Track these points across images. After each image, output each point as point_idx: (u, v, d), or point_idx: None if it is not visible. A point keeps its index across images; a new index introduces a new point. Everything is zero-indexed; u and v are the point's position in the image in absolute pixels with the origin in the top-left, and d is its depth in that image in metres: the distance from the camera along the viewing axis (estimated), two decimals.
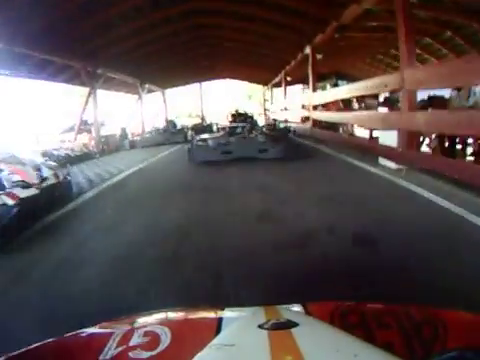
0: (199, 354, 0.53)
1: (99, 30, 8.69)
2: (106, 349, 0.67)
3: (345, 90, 6.90)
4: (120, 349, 0.66)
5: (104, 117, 14.12)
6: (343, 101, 10.17)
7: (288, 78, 13.73)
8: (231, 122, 10.75)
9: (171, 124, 13.89)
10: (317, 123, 9.11)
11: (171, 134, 12.53)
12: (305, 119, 12.19)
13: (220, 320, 0.73)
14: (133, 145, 11.99)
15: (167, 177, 5.41)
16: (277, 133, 7.38)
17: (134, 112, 15.95)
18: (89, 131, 12.01)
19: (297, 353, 0.49)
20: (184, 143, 10.91)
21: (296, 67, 12.24)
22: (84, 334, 0.79)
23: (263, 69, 15.75)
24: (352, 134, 10.24)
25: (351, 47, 11.90)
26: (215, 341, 0.57)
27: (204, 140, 6.10)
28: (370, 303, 0.87)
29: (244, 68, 16.29)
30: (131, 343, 0.68)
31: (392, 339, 0.66)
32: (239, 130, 6.96)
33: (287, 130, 9.68)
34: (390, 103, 8.31)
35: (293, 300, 0.82)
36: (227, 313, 0.79)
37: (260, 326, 0.59)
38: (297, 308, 0.80)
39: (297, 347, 0.50)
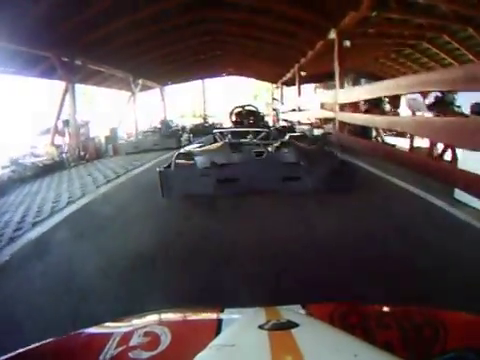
0: (199, 354, 0.52)
1: (73, 8, 6.85)
2: (106, 349, 0.66)
3: (395, 85, 4.91)
4: (120, 349, 0.66)
5: (92, 116, 12.33)
6: (370, 102, 8.36)
7: (302, 73, 11.78)
8: (236, 123, 6.96)
9: (164, 125, 11.88)
10: (344, 127, 7.18)
11: (162, 138, 10.40)
12: (324, 122, 10.31)
13: (220, 320, 0.74)
14: (117, 151, 10.10)
15: (117, 231, 3.04)
16: (312, 147, 4.14)
17: (127, 111, 14.12)
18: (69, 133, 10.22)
19: (297, 353, 0.49)
20: (178, 149, 9.05)
21: (313, 60, 10.29)
22: (84, 334, 0.78)
23: (272, 63, 13.77)
24: (385, 142, 8.39)
25: (377, 36, 9.96)
26: (215, 341, 0.57)
27: (188, 154, 3.57)
28: (370, 304, 0.88)
29: (251, 61, 14.33)
30: (131, 343, 0.68)
31: (392, 339, 0.66)
32: (249, 138, 4.39)
33: (325, 140, 6.06)
34: (444, 106, 6.39)
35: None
36: (227, 314, 0.78)
37: (260, 327, 0.58)
38: (297, 309, 0.79)
39: (297, 347, 0.51)
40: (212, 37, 10.62)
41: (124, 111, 13.97)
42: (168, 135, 10.58)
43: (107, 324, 0.85)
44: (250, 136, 4.36)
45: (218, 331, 0.68)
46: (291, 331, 0.56)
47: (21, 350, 0.69)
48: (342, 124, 7.11)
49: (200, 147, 4.08)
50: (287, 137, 4.30)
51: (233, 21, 9.29)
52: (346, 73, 11.48)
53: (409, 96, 7.45)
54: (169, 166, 3.42)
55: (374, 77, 13.42)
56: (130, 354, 0.64)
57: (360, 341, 0.54)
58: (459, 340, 0.64)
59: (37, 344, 0.71)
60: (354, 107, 7.79)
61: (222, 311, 0.80)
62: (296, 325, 0.58)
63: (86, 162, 8.76)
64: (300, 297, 1.67)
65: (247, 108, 7.30)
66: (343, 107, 7.12)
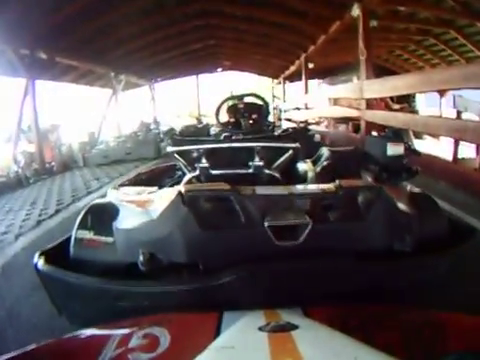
0: (199, 357, 0.52)
1: None
2: (105, 351, 0.65)
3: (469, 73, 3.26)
4: (119, 351, 0.65)
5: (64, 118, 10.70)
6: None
7: (310, 65, 10.07)
8: (228, 126, 3.12)
9: (143, 128, 10.11)
10: (371, 130, 5.53)
11: (136, 144, 8.54)
12: (336, 122, 8.68)
13: (219, 323, 0.72)
14: (86, 161, 8.40)
15: None
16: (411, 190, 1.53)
17: (109, 111, 12.40)
18: (45, 137, 8.60)
19: (297, 356, 0.48)
20: (158, 159, 7.33)
21: (324, 48, 8.60)
22: (82, 335, 0.78)
23: (274, 53, 11.94)
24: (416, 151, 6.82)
25: (403, 19, 8.28)
26: (214, 344, 0.57)
27: (106, 215, 1.24)
28: (370, 306, 0.83)
29: (249, 52, 12.61)
30: (130, 345, 0.67)
31: (392, 342, 0.64)
32: (253, 166, 1.76)
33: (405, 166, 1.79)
34: None
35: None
36: (227, 316, 0.76)
37: (260, 329, 0.59)
38: (297, 311, 0.77)
39: (297, 350, 0.50)
40: (205, 21, 8.90)
41: (106, 111, 12.23)
42: (144, 141, 8.74)
43: (106, 326, 0.82)
44: (256, 160, 1.78)
45: (217, 333, 0.66)
46: (291, 333, 0.55)
47: (19, 351, 0.67)
48: (369, 125, 5.46)
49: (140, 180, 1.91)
50: (325, 155, 1.89)
51: (228, 1, 7.63)
52: (352, 66, 9.57)
53: (455, 93, 5.91)
54: (66, 242, 1.28)
55: (386, 72, 11.79)
56: (129, 356, 0.63)
57: (360, 343, 0.54)
58: (459, 342, 0.63)
59: (35, 345, 0.70)
60: (381, 104, 6.20)
61: (221, 313, 0.77)
62: (296, 327, 0.57)
63: (49, 177, 7.12)
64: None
65: (247, 100, 3.74)
66: (370, 104, 5.48)
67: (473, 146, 5.41)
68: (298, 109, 11.19)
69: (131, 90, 14.16)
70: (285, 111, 13.50)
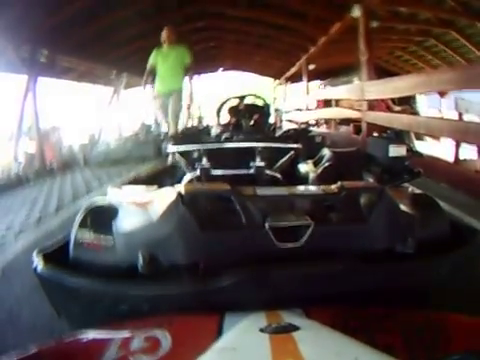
0: (200, 358, 0.53)
1: None
2: (106, 353, 0.65)
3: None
4: (120, 354, 0.65)
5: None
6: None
7: (310, 66, 10.09)
8: (229, 127, 3.50)
9: (144, 129, 10.16)
10: (372, 131, 5.53)
11: (137, 145, 8.59)
12: (338, 123, 8.68)
13: (221, 324, 0.72)
14: (87, 161, 8.43)
15: None
16: None
17: (111, 111, 12.41)
18: (46, 137, 8.62)
19: (298, 357, 0.49)
20: (159, 159, 7.26)
21: (325, 49, 8.63)
22: (83, 338, 0.77)
23: (275, 54, 12.01)
24: (418, 152, 6.82)
25: (404, 20, 8.30)
26: (216, 345, 0.57)
27: (106, 215, 1.19)
28: (371, 308, 0.81)
29: (250, 53, 12.64)
30: (131, 348, 0.67)
31: (393, 343, 0.63)
32: (255, 166, 1.82)
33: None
34: None
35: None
36: (228, 317, 0.75)
37: (261, 330, 0.59)
38: (298, 312, 0.76)
39: (298, 351, 0.50)
40: (206, 22, 8.92)
41: (107, 111, 12.25)
42: (145, 142, 8.79)
43: (107, 328, 0.82)
44: (257, 161, 1.81)
45: (219, 335, 0.66)
46: (292, 334, 0.55)
47: (19, 353, 0.67)
48: (371, 127, 5.46)
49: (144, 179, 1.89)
50: (327, 156, 1.88)
51: (229, 1, 7.65)
52: (353, 68, 9.48)
53: (456, 95, 5.91)
54: (65, 243, 1.22)
55: (387, 73, 11.79)
56: (130, 358, 0.63)
57: (361, 345, 0.53)
58: (461, 343, 0.62)
59: (35, 346, 0.70)
60: (383, 105, 6.20)
61: (223, 315, 0.76)
62: (297, 328, 0.57)
63: (49, 177, 7.13)
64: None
65: (247, 101, 3.79)
66: (372, 105, 5.48)
67: (474, 147, 5.41)
68: (299, 110, 11.23)
69: (133, 89, 14.19)
70: (286, 112, 13.50)
